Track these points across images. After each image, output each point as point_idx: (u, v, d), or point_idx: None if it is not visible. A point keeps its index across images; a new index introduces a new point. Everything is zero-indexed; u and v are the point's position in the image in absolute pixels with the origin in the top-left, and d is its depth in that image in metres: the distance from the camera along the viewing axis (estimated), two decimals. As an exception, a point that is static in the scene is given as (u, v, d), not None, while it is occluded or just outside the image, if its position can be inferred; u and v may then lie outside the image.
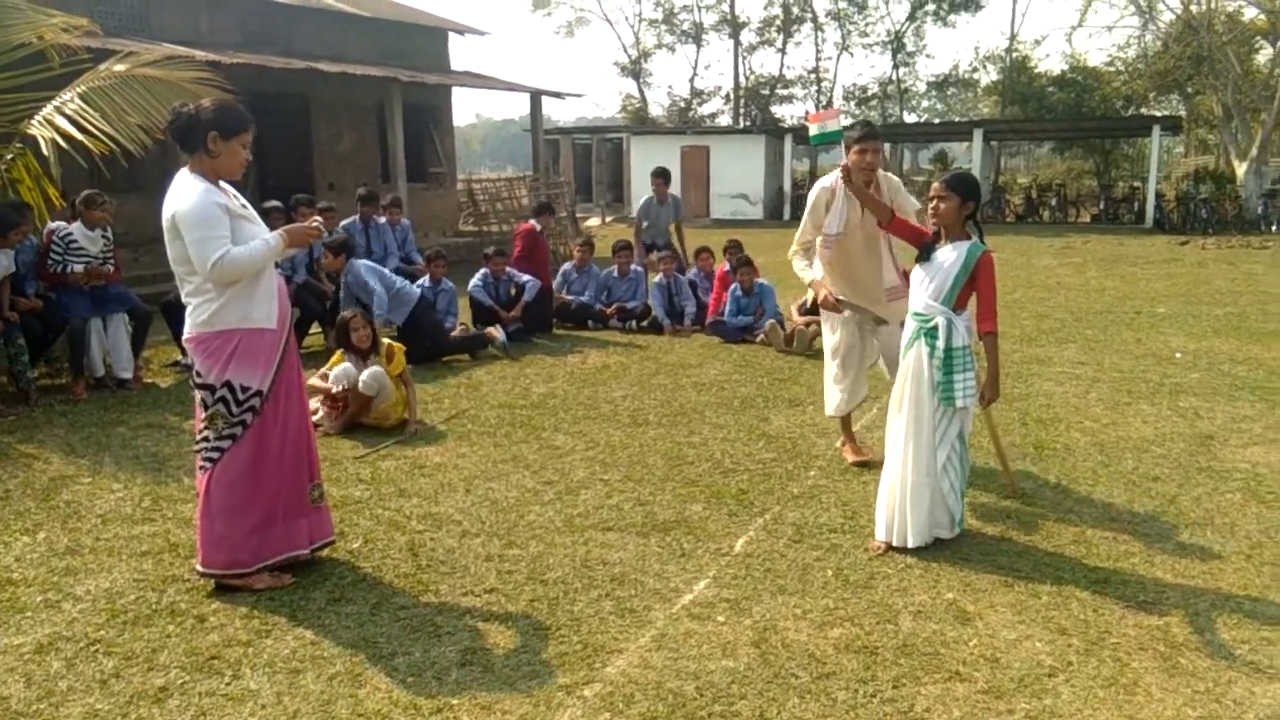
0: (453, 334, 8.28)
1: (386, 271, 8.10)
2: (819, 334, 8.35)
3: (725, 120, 41.77)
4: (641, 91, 43.94)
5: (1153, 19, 29.36)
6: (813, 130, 4.43)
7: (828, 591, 3.76)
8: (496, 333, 8.21)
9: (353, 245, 8.12)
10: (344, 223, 9.49)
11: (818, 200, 4.96)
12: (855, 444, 5.42)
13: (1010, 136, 32.76)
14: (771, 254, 16.01)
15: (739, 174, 28.28)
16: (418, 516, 4.58)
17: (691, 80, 44.09)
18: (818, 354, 8.20)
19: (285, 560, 3.83)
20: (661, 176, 10.37)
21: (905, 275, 4.82)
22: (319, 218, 4.04)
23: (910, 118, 44.78)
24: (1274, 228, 22.07)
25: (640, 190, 29.90)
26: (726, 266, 9.63)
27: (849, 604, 3.65)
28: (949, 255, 4.05)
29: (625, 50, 44.23)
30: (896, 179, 5.00)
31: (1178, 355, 8.04)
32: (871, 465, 5.07)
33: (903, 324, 4.27)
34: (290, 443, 3.78)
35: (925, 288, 4.09)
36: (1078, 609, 3.59)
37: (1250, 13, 29.29)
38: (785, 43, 43.04)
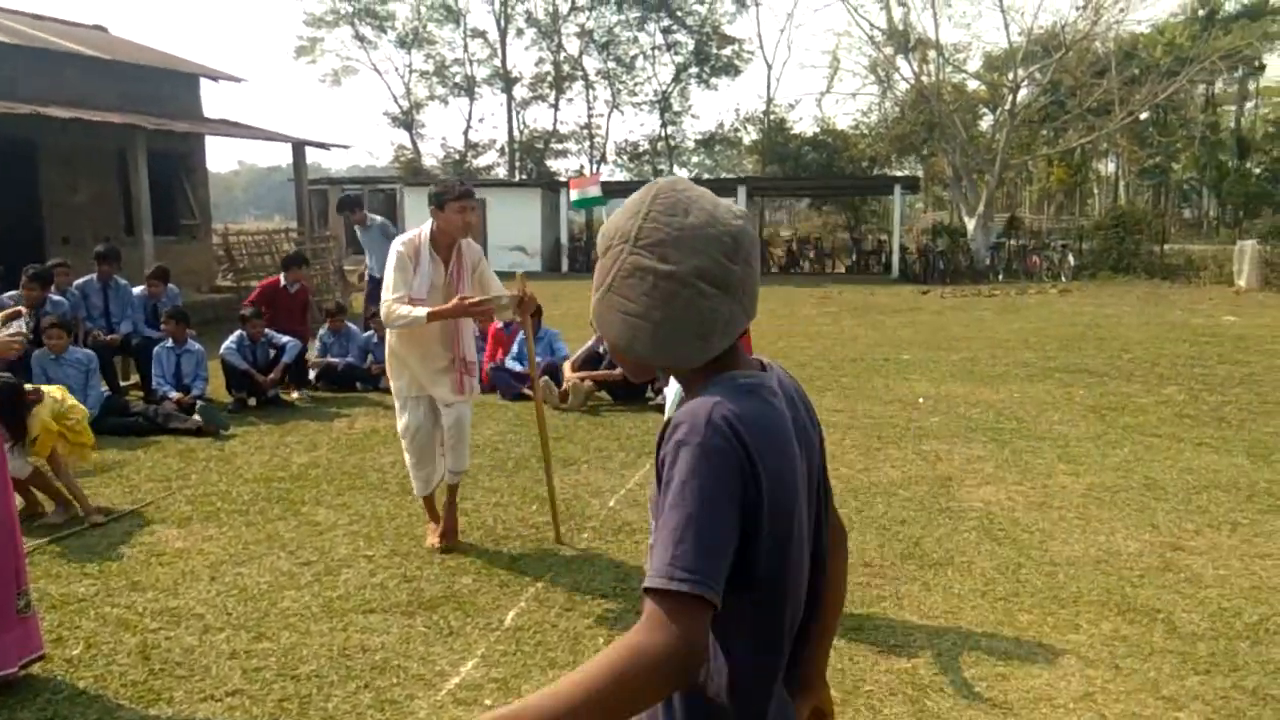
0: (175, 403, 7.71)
1: (93, 381, 7.55)
2: (594, 389, 8.44)
3: (501, 173, 41.99)
4: (414, 142, 43.42)
5: (890, 88, 32.20)
6: (574, 195, 4.47)
7: (598, 661, 3.69)
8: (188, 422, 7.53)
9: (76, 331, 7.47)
10: (78, 281, 8.67)
11: (404, 256, 4.60)
12: (438, 523, 5.05)
13: (771, 193, 34.81)
14: (552, 306, 16.02)
15: (516, 226, 28.33)
16: (152, 612, 4.15)
17: (465, 133, 43.98)
18: (593, 410, 8.25)
19: (-15, 680, 3.35)
20: (349, 207, 10.09)
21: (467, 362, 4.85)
22: (21, 327, 3.63)
23: (682, 173, 46.70)
24: (1000, 276, 24.53)
25: (416, 242, 29.34)
26: (499, 324, 9.54)
27: (619, 673, 3.60)
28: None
29: (396, 101, 43.67)
30: (478, 246, 4.94)
31: (920, 401, 8.68)
32: (455, 549, 4.91)
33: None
34: (-11, 545, 3.33)
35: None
36: (834, 658, 3.71)
37: (973, 84, 32.78)
38: (558, 99, 43.93)
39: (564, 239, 28.59)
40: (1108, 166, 45.70)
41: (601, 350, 8.64)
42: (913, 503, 5.65)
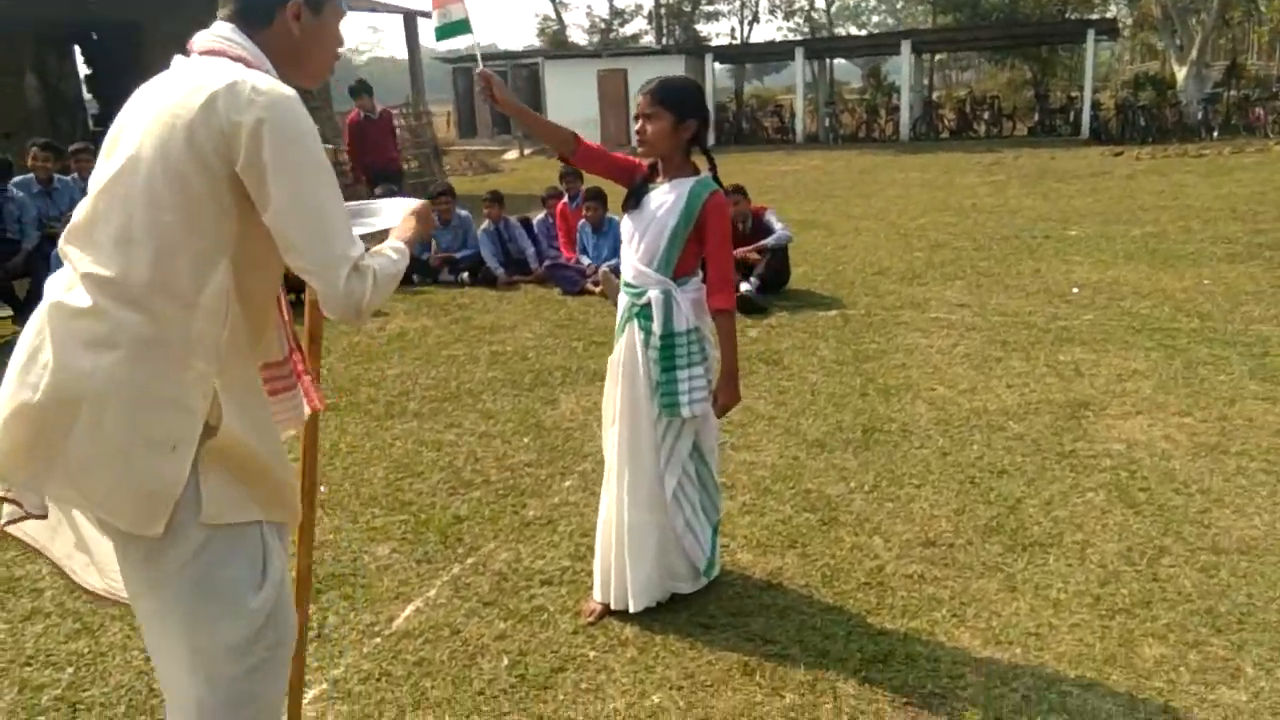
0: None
1: None
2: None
3: (649, 41, 39.76)
4: (558, 13, 41.64)
5: (1088, -85, 27.84)
6: (434, 20, 3.09)
7: (485, 700, 2.58)
8: None
9: None
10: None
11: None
12: None
13: (940, 47, 31.25)
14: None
15: (659, 97, 26.58)
16: (-11, 585, 3.33)
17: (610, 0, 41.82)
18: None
19: None
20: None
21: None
22: None
23: (846, 30, 43.00)
24: (1214, 134, 20.99)
25: (562, 117, 28.15)
26: (565, 199, 8.34)
27: (504, 723, 2.48)
28: (664, 199, 2.81)
29: (541, -32, 41.86)
30: None
31: (1074, 291, 6.90)
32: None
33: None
34: None
35: (635, 247, 2.85)
36: (828, 707, 2.45)
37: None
38: (707, -46, 40.87)
39: (710, 109, 26.62)
40: (1361, -2, 38.60)
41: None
42: (1024, 442, 4.16)
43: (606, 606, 2.97)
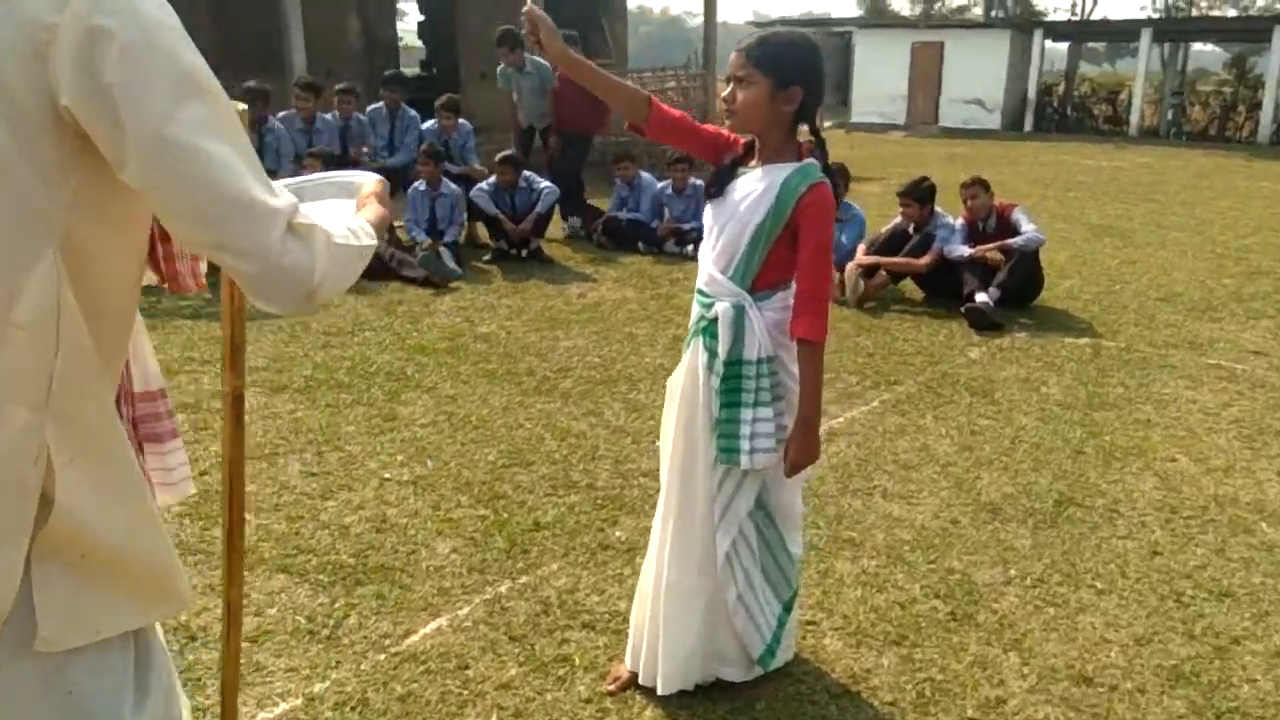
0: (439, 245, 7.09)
1: None
2: (885, 284, 6.40)
3: (978, 14, 36.89)
4: (881, -21, 39.67)
5: None
6: None
7: (445, 764, 2.19)
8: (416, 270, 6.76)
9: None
10: (370, 107, 8.41)
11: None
12: None
13: (1191, 35, 26.48)
14: (993, 169, 13.31)
15: (975, 76, 24.58)
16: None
17: (937, -34, 39.17)
18: (878, 309, 6.21)
19: None
20: (505, 43, 8.19)
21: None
22: None
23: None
24: None
25: (868, 91, 26.92)
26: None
27: (452, 801, 2.07)
28: (752, 188, 2.21)
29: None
30: None
31: None
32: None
33: None
34: None
35: (712, 246, 2.28)
36: None
37: None
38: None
39: (1032, 92, 24.28)
40: None
41: (911, 230, 6.44)
42: (1273, 556, 3.12)
43: (635, 676, 2.47)
